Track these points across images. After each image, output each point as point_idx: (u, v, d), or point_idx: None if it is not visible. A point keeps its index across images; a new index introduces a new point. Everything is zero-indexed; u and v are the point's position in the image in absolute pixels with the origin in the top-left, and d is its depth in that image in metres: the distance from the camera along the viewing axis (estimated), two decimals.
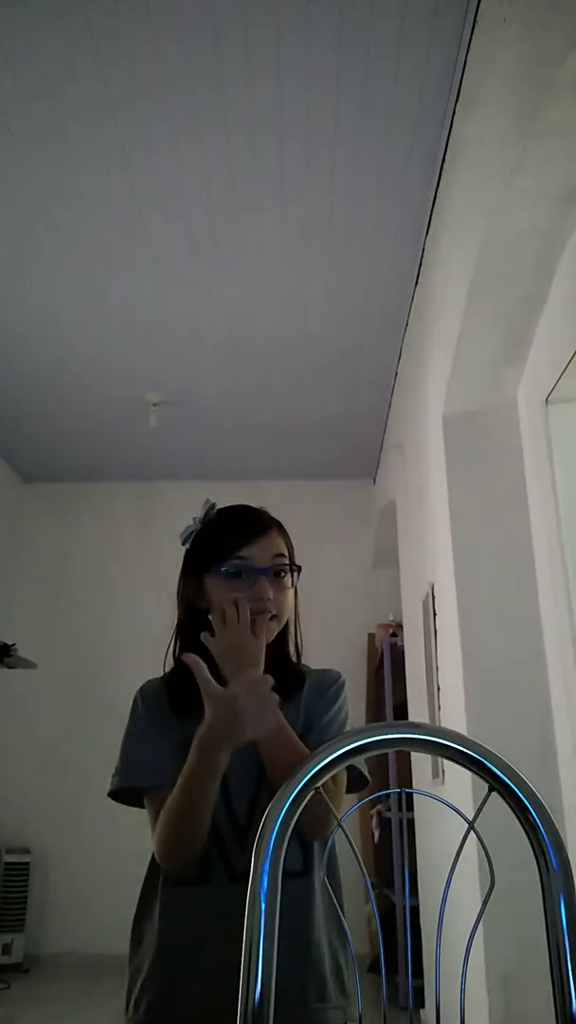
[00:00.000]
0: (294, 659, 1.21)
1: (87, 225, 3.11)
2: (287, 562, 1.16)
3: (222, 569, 1.12)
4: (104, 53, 2.37)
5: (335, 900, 1.04)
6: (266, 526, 1.18)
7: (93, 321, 3.75)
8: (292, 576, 1.17)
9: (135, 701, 1.16)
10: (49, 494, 5.61)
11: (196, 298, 3.57)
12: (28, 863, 4.69)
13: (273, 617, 1.12)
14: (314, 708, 1.13)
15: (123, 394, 4.41)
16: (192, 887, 1.04)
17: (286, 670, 1.15)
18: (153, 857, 1.07)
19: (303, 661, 1.22)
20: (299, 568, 1.19)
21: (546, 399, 2.18)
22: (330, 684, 1.17)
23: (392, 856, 3.97)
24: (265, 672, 1.08)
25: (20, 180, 2.88)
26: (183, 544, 1.21)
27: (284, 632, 1.19)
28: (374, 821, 4.41)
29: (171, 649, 1.19)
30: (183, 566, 1.20)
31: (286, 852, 0.98)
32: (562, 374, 2.04)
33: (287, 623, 1.18)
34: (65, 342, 3.93)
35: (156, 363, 4.13)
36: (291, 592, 1.16)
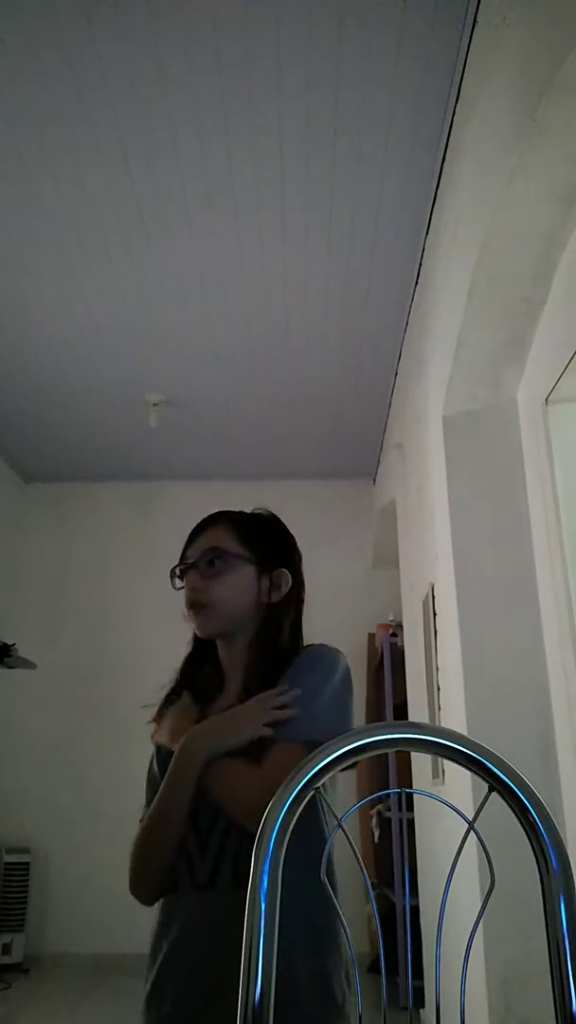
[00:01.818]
0: (292, 644, 1.19)
1: (87, 226, 3.11)
2: (219, 552, 1.17)
3: (174, 575, 1.21)
4: (103, 51, 2.37)
5: (334, 900, 1.03)
6: (204, 526, 1.22)
7: (93, 322, 3.75)
8: (234, 562, 1.17)
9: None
10: (49, 494, 5.61)
11: (196, 299, 3.57)
12: (28, 863, 4.69)
13: (205, 607, 1.16)
14: (296, 675, 1.09)
15: (123, 395, 4.41)
16: (166, 896, 1.07)
17: (275, 654, 1.15)
18: None
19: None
20: (268, 558, 1.19)
21: (546, 399, 2.18)
22: (321, 655, 1.13)
23: (392, 856, 3.97)
24: (253, 661, 1.13)
25: (20, 181, 2.88)
26: None
27: (269, 620, 1.18)
28: (374, 821, 4.42)
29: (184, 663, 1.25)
30: None
31: (239, 857, 0.99)
32: (562, 374, 2.05)
33: (275, 614, 1.18)
34: (65, 343, 3.93)
35: (156, 364, 4.13)
36: (231, 580, 1.17)
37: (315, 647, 1.17)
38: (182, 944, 1.02)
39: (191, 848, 1.05)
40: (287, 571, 1.20)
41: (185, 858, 1.05)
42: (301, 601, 1.23)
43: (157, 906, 1.09)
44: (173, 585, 1.22)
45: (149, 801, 1.11)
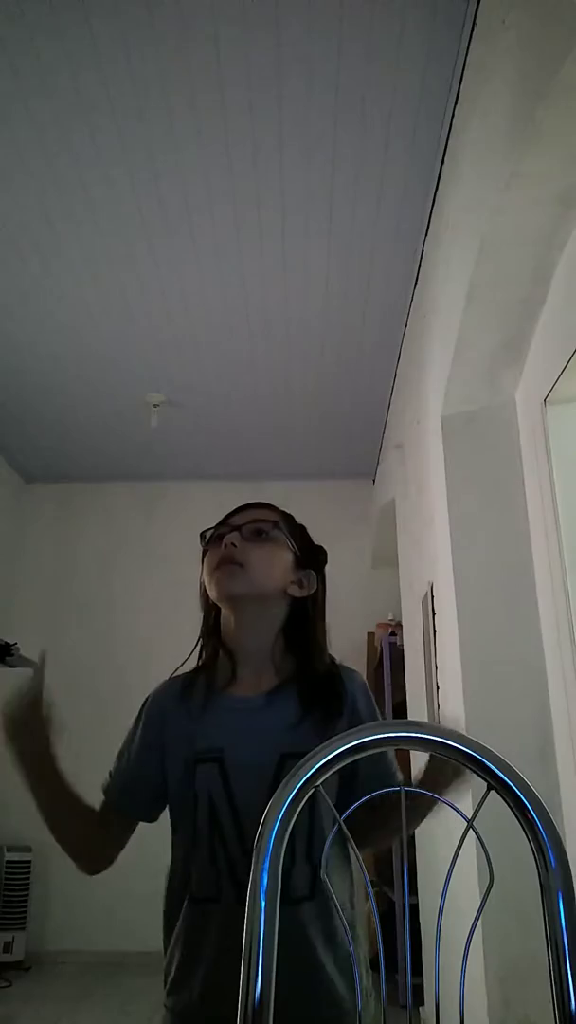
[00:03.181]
0: (327, 655, 1.18)
1: (87, 226, 3.12)
2: (267, 523, 1.16)
3: (206, 538, 1.18)
4: (102, 48, 2.37)
5: (333, 899, 1.04)
6: (252, 505, 1.21)
7: (94, 322, 3.75)
8: (280, 538, 1.16)
9: (142, 703, 1.18)
10: (50, 494, 5.62)
11: (196, 300, 3.57)
12: (30, 861, 4.69)
13: (239, 566, 1.12)
14: (358, 709, 1.11)
15: (124, 395, 4.42)
16: (207, 904, 1.03)
17: (318, 675, 1.13)
18: (171, 872, 1.09)
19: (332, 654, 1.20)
20: (306, 553, 1.19)
21: (544, 399, 2.18)
22: (365, 692, 1.15)
23: (391, 854, 3.98)
24: (287, 674, 1.12)
25: (20, 180, 2.88)
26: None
27: (304, 624, 1.18)
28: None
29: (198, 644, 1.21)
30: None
31: (292, 873, 0.99)
32: (560, 375, 2.05)
33: (309, 612, 1.18)
34: (66, 343, 3.93)
35: (157, 365, 4.14)
36: (272, 552, 1.15)
37: (353, 673, 1.18)
38: (227, 960, 0.97)
39: (236, 857, 1.02)
40: (318, 576, 1.21)
41: (228, 867, 1.02)
42: (323, 603, 1.23)
43: (177, 908, 1.06)
44: (203, 543, 1.19)
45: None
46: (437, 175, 2.77)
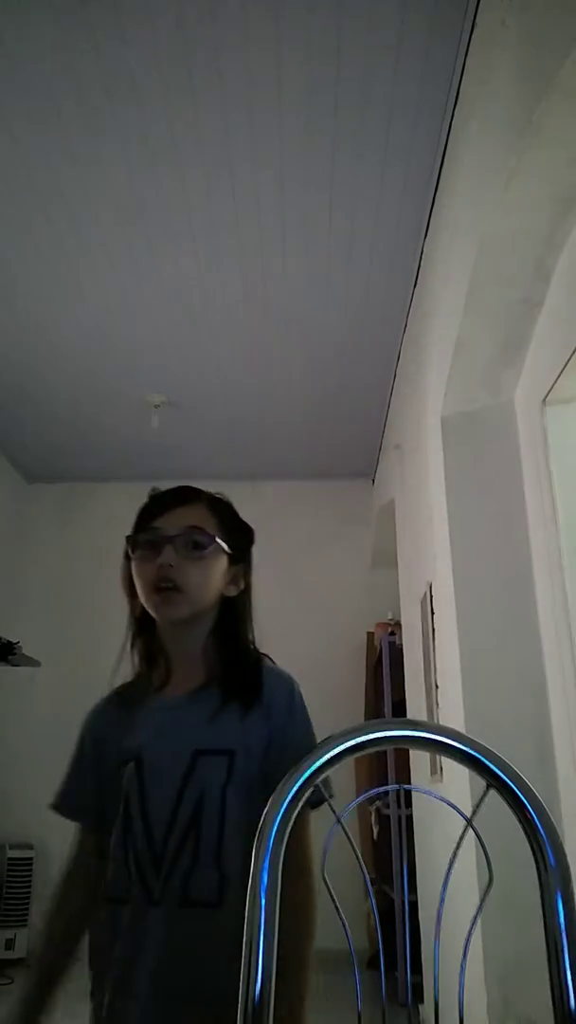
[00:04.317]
0: (252, 649, 1.14)
1: (88, 225, 3.12)
2: (204, 534, 1.09)
3: (133, 540, 1.10)
4: (103, 43, 2.37)
5: (332, 897, 1.03)
6: (185, 498, 1.13)
7: (95, 323, 3.75)
8: (216, 548, 1.09)
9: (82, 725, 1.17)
10: (52, 494, 5.62)
11: (196, 300, 3.58)
12: (31, 858, 4.70)
13: (177, 591, 1.06)
14: (283, 726, 1.05)
15: (125, 396, 4.42)
16: (117, 905, 1.01)
17: (240, 669, 1.09)
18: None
19: (265, 652, 1.15)
20: (238, 550, 1.13)
21: (543, 400, 2.19)
22: (289, 692, 1.09)
23: (391, 852, 3.98)
24: (217, 650, 1.09)
25: (20, 179, 2.88)
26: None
27: (233, 621, 1.13)
28: (373, 817, 4.43)
29: (126, 643, 1.16)
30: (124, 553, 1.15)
31: (194, 875, 0.96)
32: (559, 375, 2.06)
33: (239, 609, 1.13)
34: (67, 343, 3.93)
35: (157, 365, 4.14)
36: (210, 567, 1.09)
37: (281, 673, 1.10)
38: (140, 963, 0.96)
39: (144, 859, 0.99)
40: (246, 565, 1.16)
41: (137, 868, 0.99)
42: (250, 593, 1.18)
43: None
44: (129, 553, 1.11)
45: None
46: (437, 175, 2.77)
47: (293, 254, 3.27)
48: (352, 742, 0.66)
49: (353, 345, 3.93)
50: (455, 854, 0.71)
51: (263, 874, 0.60)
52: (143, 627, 1.15)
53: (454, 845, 0.69)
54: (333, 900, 1.04)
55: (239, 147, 2.71)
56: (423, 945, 3.48)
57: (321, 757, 0.65)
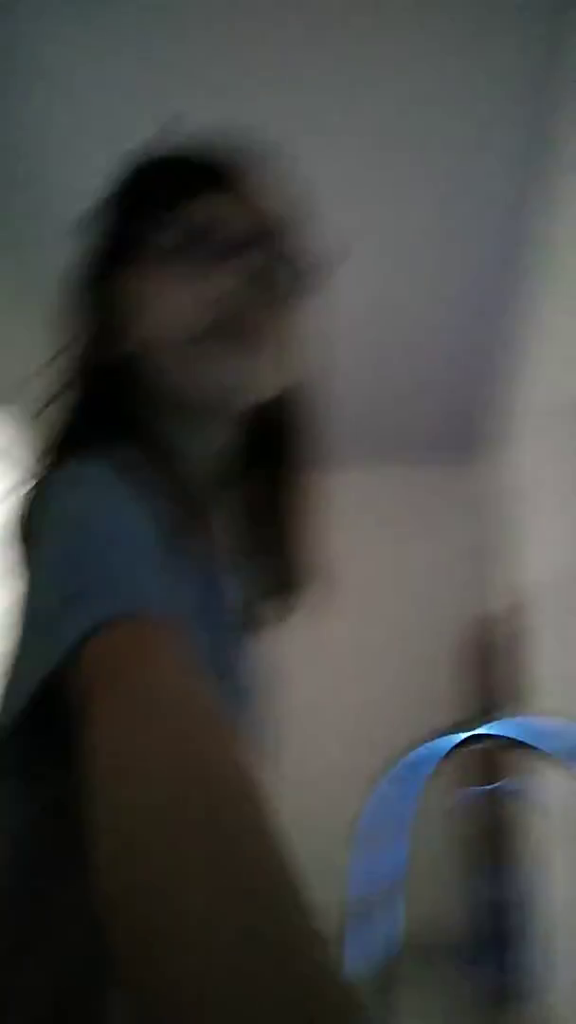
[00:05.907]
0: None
1: None
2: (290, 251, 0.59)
3: (159, 243, 0.59)
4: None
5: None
6: (242, 174, 0.61)
7: None
8: (301, 286, 0.60)
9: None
10: None
11: None
12: None
13: (255, 345, 0.58)
14: None
15: None
16: None
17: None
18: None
19: None
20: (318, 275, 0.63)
21: None
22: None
23: (490, 844, 3.90)
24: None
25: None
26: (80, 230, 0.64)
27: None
28: (466, 806, 4.34)
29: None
30: (77, 269, 0.64)
31: None
32: None
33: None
34: None
35: None
36: (291, 318, 0.60)
37: None
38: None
39: None
40: None
41: None
42: None
43: None
44: (184, 255, 0.58)
45: None
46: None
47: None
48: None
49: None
50: (544, 850, 0.68)
51: None
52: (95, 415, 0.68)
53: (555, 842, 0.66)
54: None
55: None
56: (529, 941, 3.39)
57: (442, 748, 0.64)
